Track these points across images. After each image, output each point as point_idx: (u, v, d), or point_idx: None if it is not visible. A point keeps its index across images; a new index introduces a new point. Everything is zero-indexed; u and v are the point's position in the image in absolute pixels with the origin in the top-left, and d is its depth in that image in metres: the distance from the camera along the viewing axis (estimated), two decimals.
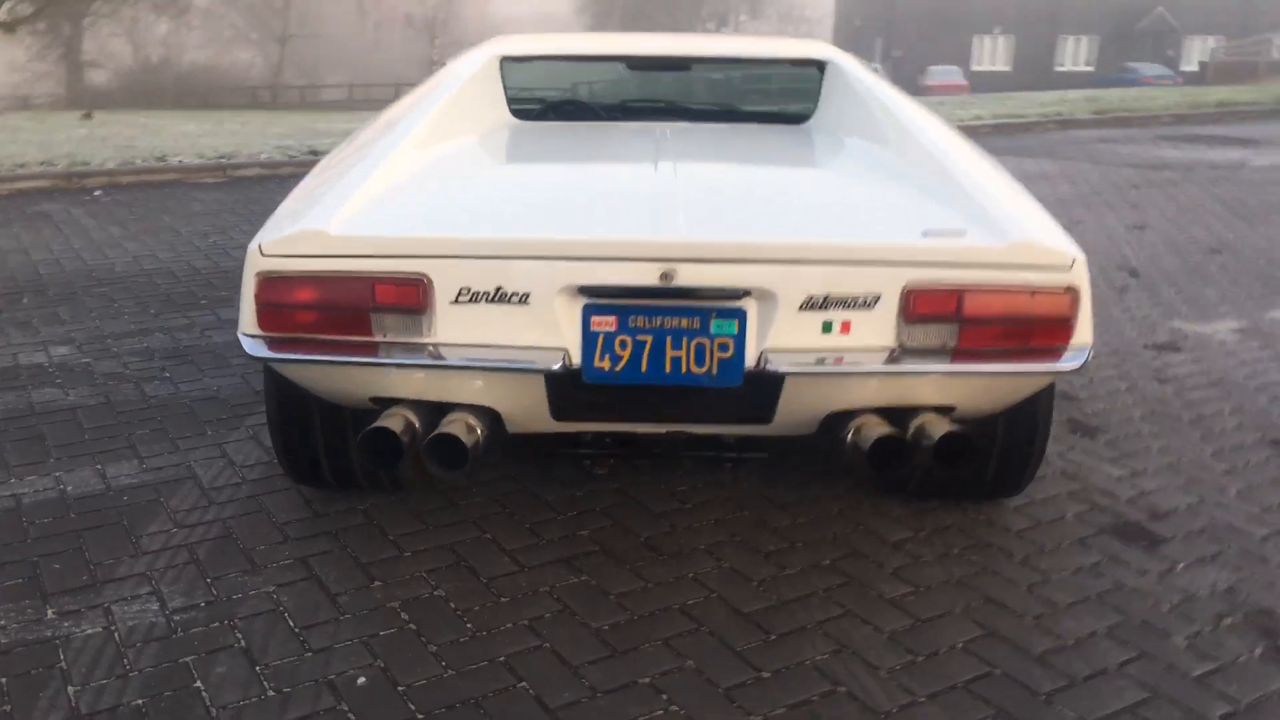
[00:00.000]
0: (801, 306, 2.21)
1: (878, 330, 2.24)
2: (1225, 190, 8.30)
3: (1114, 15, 40.19)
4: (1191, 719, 2.09)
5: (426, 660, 2.24)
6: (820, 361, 2.23)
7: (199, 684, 2.15)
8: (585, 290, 2.21)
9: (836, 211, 2.57)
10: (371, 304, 2.23)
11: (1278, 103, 15.28)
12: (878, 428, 2.25)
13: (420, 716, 2.07)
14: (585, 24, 47.67)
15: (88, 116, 14.28)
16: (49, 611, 2.40)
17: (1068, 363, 2.27)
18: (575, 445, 2.69)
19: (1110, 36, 40.44)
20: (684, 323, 2.21)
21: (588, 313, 2.21)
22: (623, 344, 2.22)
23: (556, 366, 2.21)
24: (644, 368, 2.23)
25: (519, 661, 2.24)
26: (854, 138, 3.18)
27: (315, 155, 8.51)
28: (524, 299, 2.21)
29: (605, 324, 2.21)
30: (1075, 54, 41.23)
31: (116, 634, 2.32)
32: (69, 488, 3.01)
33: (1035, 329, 2.25)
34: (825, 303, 2.21)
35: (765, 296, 2.22)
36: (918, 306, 2.22)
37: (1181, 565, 2.66)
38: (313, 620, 2.38)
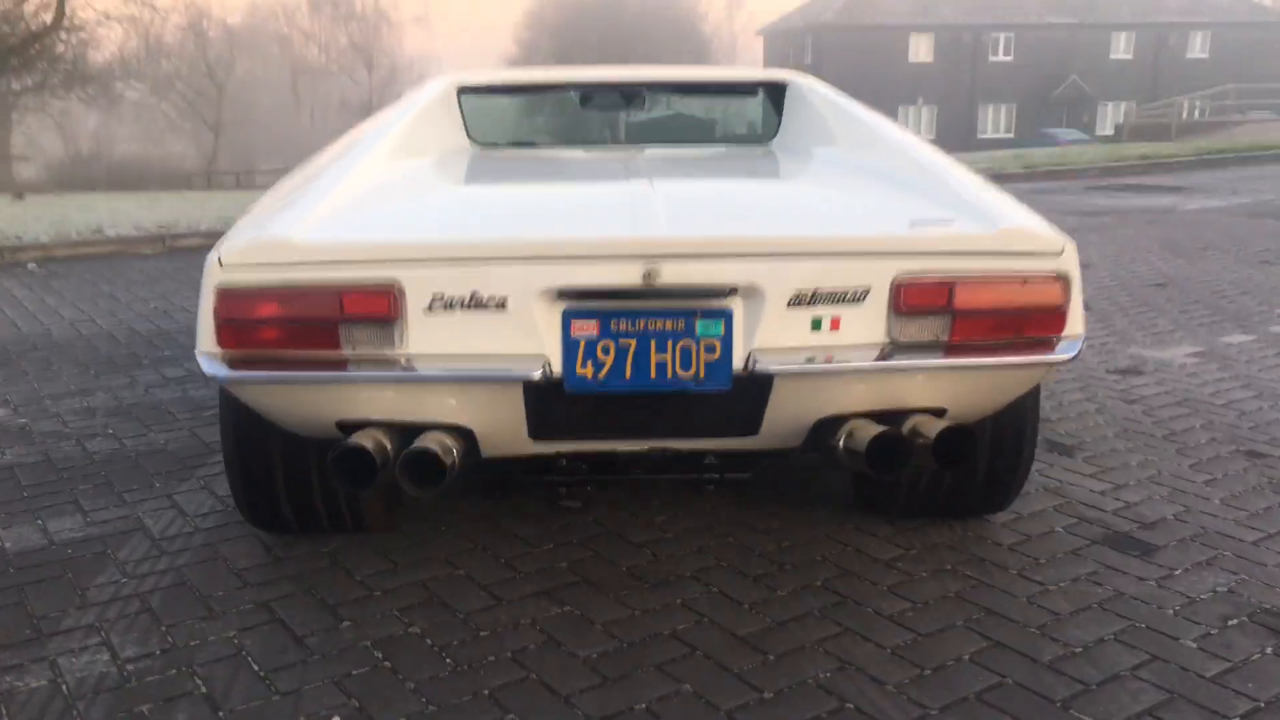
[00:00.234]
0: (790, 303, 2.13)
1: (868, 325, 2.16)
2: (1160, 231, 8.48)
3: (1031, 85, 41.59)
4: (1215, 719, 2.01)
5: (405, 697, 2.08)
6: (810, 360, 2.14)
7: None
8: (565, 294, 2.10)
9: (821, 207, 2.51)
10: (340, 316, 2.10)
11: (1197, 154, 15.81)
12: (871, 428, 2.16)
13: None
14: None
15: (19, 197, 13.95)
16: None
17: (1061, 354, 2.21)
18: (549, 471, 2.55)
19: (1028, 105, 41.83)
20: (668, 325, 2.11)
21: (568, 317, 2.11)
22: (605, 349, 2.12)
23: (536, 375, 2.09)
24: (628, 374, 2.13)
25: (505, 694, 2.09)
26: (825, 147, 3.15)
27: None
28: (501, 304, 2.10)
29: (586, 329, 2.10)
30: (996, 122, 42.65)
31: (64, 686, 2.13)
32: (7, 544, 2.80)
33: (1028, 319, 2.19)
34: (814, 298, 2.13)
35: (752, 294, 2.13)
36: (908, 299, 2.15)
37: (1179, 571, 2.60)
38: (279, 663, 2.21)
